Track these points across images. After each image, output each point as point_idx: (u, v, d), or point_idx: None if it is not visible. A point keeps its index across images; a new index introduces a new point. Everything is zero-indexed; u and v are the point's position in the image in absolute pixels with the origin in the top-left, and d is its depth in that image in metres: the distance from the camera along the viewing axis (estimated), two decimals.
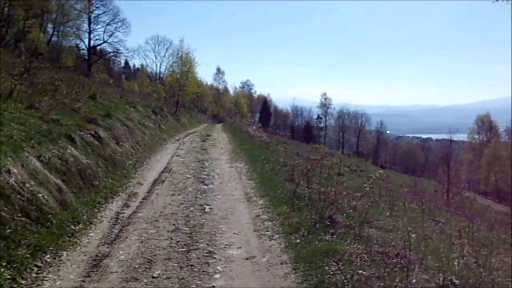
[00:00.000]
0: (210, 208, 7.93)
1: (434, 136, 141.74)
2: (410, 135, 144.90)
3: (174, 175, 11.43)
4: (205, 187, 9.90)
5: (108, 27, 47.77)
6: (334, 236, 6.09)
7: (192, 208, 7.97)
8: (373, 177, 7.89)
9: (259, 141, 18.08)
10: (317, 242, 5.88)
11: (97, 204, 7.87)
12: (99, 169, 9.40)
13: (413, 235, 6.97)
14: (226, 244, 6.23)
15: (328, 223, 6.46)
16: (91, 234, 6.44)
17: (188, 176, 11.31)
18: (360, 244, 5.72)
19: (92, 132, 10.61)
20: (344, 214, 7.20)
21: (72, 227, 6.46)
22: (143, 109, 22.59)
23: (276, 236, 6.49)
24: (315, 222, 6.48)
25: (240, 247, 6.13)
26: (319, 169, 10.13)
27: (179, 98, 38.72)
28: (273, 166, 11.34)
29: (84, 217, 7.02)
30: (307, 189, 8.51)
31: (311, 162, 9.80)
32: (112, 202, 8.20)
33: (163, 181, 10.59)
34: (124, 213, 7.55)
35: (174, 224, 7.02)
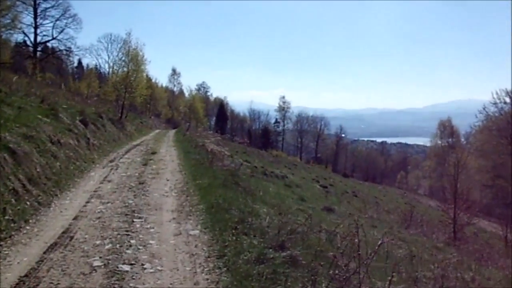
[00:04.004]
0: None
1: (389, 140, 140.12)
2: (366, 139, 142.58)
3: (70, 257, 5.82)
4: None
5: (57, 22, 41.86)
6: None
7: None
8: None
9: (222, 170, 12.45)
10: None
11: None
12: None
13: None
14: None
15: None
16: None
17: (96, 262, 5.69)
18: None
19: None
20: None
21: None
22: (69, 117, 16.60)
23: None
24: None
25: None
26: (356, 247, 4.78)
27: (125, 101, 32.42)
28: (258, 248, 5.72)
29: None
30: None
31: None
32: None
33: (37, 285, 4.98)
34: None
35: None
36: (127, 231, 7.10)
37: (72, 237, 6.70)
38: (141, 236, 6.87)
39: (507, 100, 53.51)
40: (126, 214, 8.10)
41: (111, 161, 14.98)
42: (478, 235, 26.49)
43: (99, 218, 7.82)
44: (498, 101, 53.62)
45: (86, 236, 6.79)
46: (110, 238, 6.71)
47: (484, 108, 55.89)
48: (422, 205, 45.69)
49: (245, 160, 28.22)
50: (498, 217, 38.84)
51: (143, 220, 7.76)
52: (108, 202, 9.01)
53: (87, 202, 9.01)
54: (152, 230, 7.23)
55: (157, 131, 41.62)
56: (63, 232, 6.91)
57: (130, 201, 9.12)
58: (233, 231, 6.51)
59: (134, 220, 7.71)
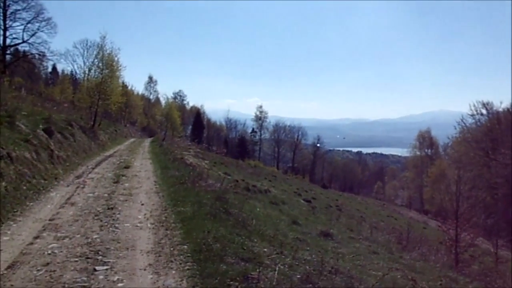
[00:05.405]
0: None
1: (364, 150, 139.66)
2: (341, 149, 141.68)
3: None
4: None
5: (29, 25, 39.36)
6: None
7: None
8: None
9: (206, 191, 10.31)
10: None
11: None
12: None
13: None
14: None
15: None
16: None
17: None
18: None
19: None
20: None
21: None
22: (30, 125, 14.29)
23: None
24: None
25: None
26: None
27: (99, 108, 29.92)
28: None
29: None
30: None
31: None
32: None
33: None
34: None
35: None
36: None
37: None
38: None
39: (484, 112, 52.82)
40: (87, 258, 5.92)
41: (78, 177, 12.71)
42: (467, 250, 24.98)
43: (47, 264, 5.62)
44: (475, 112, 52.85)
45: None
46: None
47: (462, 120, 55.11)
48: (403, 217, 44.32)
49: (224, 173, 26.36)
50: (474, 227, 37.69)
51: (108, 267, 5.60)
52: (65, 237, 6.82)
53: (36, 237, 6.78)
54: (120, 285, 5.12)
55: (132, 139, 39.16)
56: None
57: (95, 236, 6.94)
58: None
59: (97, 268, 5.54)
